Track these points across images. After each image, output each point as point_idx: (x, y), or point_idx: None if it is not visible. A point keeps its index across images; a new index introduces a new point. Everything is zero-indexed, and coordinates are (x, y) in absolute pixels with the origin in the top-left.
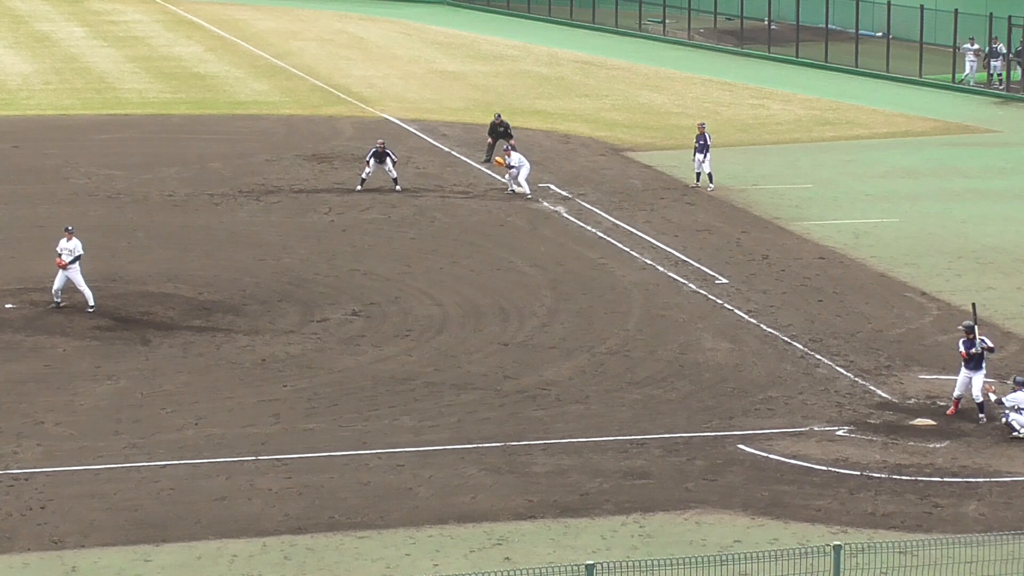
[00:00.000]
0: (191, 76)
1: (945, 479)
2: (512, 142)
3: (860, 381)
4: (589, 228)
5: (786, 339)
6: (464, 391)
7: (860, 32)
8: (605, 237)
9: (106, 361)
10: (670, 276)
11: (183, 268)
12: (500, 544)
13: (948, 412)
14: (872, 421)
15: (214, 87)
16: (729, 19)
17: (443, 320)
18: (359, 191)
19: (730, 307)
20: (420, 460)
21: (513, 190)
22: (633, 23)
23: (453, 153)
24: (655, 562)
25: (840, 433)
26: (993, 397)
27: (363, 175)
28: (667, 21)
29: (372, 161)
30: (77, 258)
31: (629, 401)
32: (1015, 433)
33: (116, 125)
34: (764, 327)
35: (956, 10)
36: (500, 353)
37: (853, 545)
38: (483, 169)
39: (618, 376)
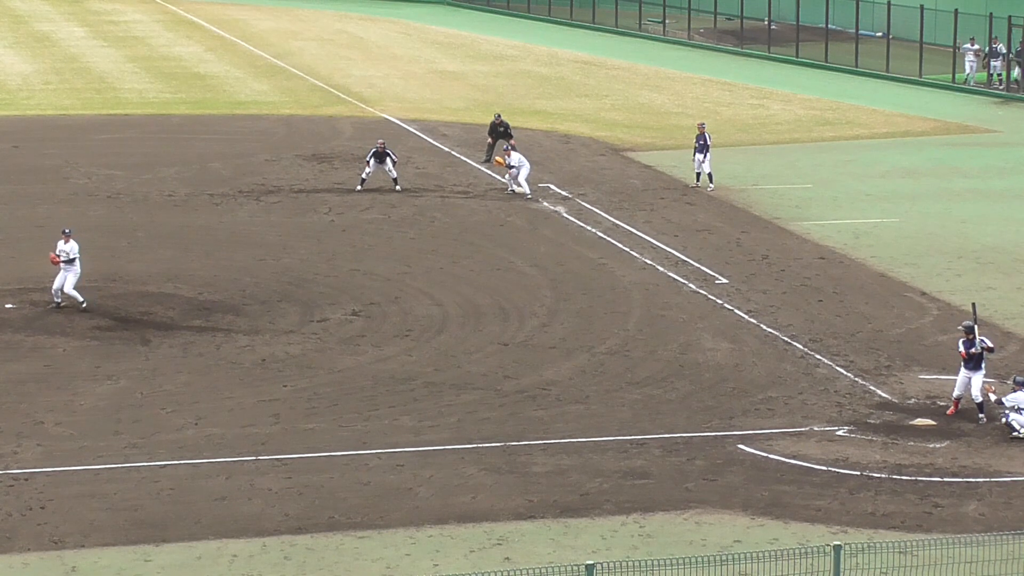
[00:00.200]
0: (191, 76)
1: (945, 479)
2: (512, 142)
3: (860, 381)
4: (589, 228)
5: (786, 339)
6: (464, 391)
7: (860, 32)
8: (605, 237)
9: (106, 361)
10: (670, 276)
11: (183, 268)
12: (500, 544)
13: (948, 412)
14: (872, 421)
15: (214, 87)
16: (729, 19)
17: (443, 320)
18: (359, 191)
19: (730, 307)
20: (420, 460)
21: (513, 190)
22: (633, 23)
23: (453, 153)
24: (655, 562)
25: (840, 433)
26: (993, 397)
27: (363, 175)
28: (667, 21)
29: (372, 161)
30: (72, 260)
31: (629, 401)
32: (1015, 433)
33: (116, 125)
34: (764, 327)
35: (956, 10)
36: (500, 353)
37: (853, 545)
38: (483, 169)
39: (618, 376)
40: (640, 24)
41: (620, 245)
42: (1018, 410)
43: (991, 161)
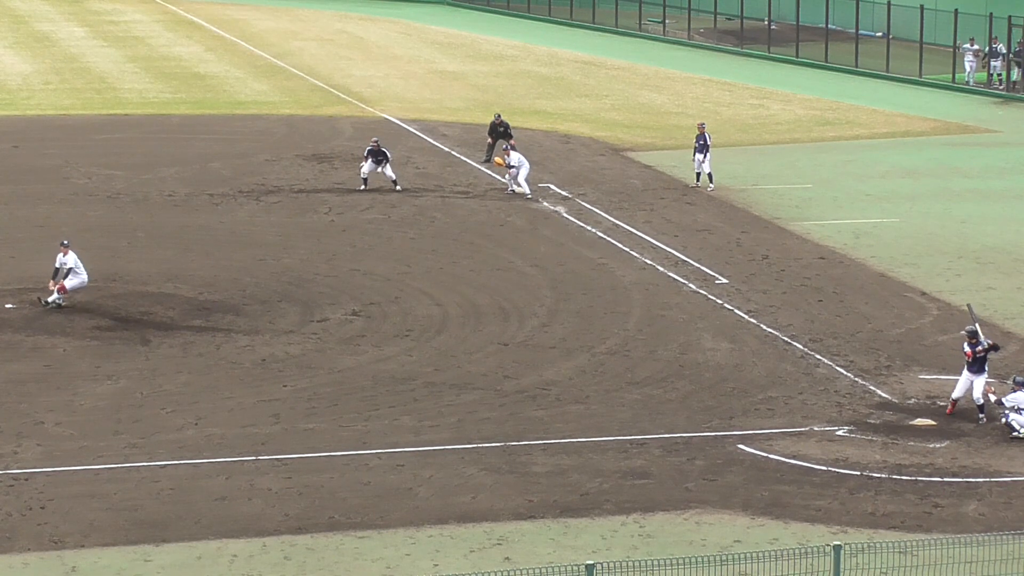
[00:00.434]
0: (191, 76)
1: (945, 479)
2: (512, 142)
3: (860, 381)
4: (589, 228)
5: (786, 339)
6: (464, 391)
7: (860, 32)
8: (605, 237)
9: (106, 361)
10: (670, 276)
11: (183, 268)
12: (500, 544)
13: (947, 412)
14: (872, 421)
15: (214, 87)
16: (729, 19)
17: (443, 320)
18: (362, 190)
19: (730, 307)
20: (420, 460)
21: (513, 190)
22: (633, 23)
23: (453, 153)
24: (655, 562)
25: (840, 433)
26: (993, 398)
27: (363, 175)
28: (667, 21)
29: (369, 159)
30: (69, 271)
31: (629, 401)
32: (1015, 433)
33: (116, 125)
34: (764, 327)
35: (956, 10)
36: (500, 353)
37: (853, 545)
38: (483, 169)
39: (618, 376)
40: (640, 24)
41: (620, 245)
42: (1018, 410)
43: (991, 161)
